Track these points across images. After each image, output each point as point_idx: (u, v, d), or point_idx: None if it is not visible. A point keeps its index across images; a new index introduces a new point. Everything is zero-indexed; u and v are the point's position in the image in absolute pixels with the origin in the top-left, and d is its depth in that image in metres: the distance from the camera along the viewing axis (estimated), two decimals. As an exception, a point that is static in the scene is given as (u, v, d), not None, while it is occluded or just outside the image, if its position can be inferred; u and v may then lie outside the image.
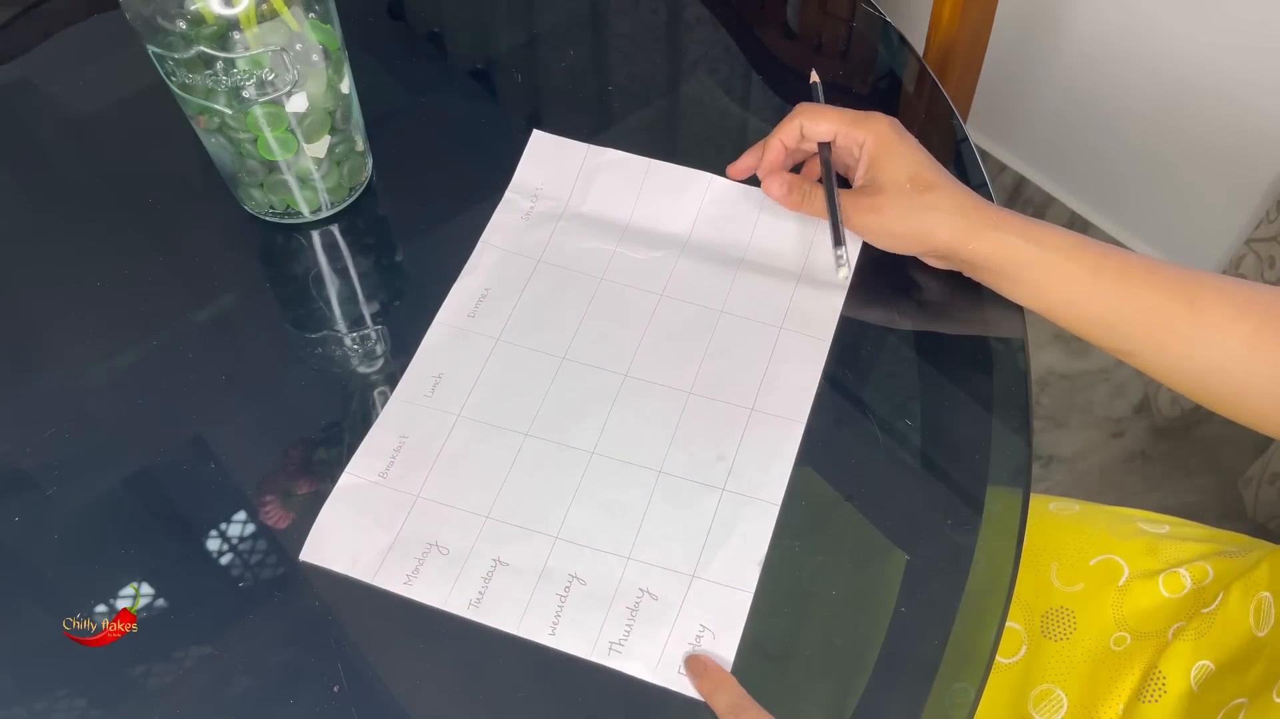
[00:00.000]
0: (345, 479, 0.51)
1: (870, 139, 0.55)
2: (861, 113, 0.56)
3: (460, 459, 0.52)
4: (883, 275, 0.60)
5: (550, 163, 0.63)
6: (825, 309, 0.58)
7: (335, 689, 0.47)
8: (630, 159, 0.63)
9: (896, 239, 0.55)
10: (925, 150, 0.55)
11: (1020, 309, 0.58)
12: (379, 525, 0.50)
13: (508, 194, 0.62)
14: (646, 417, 0.54)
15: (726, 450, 0.52)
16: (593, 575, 0.49)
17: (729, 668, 0.47)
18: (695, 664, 0.46)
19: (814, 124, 0.57)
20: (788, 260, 0.60)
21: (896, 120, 0.56)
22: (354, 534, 0.50)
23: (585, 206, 0.62)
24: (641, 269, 0.59)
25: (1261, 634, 0.55)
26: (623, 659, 0.47)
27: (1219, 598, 0.57)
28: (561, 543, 0.50)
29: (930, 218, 0.53)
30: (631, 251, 0.60)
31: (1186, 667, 0.55)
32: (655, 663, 0.47)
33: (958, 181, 0.54)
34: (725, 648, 0.47)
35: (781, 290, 0.58)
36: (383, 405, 0.55)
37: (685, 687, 0.46)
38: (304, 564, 0.50)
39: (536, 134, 0.64)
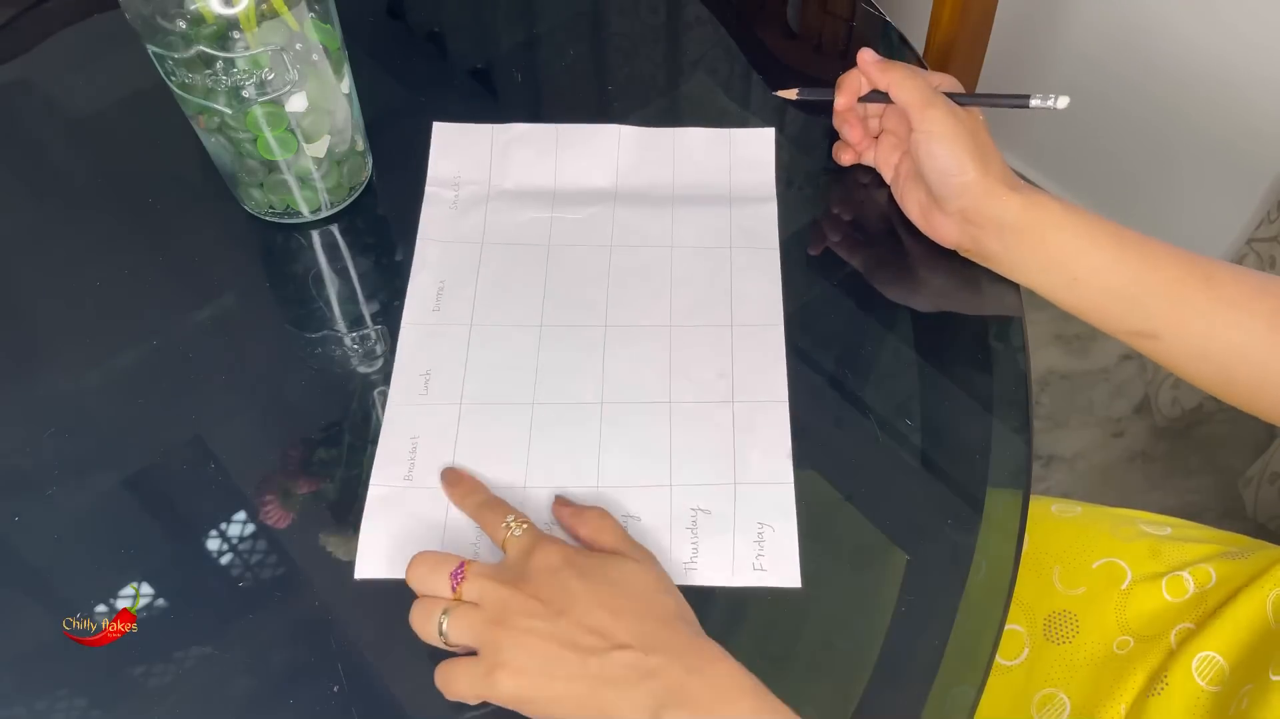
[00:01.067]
0: (373, 492, 0.51)
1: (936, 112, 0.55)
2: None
3: (478, 443, 0.53)
4: (883, 274, 0.60)
5: (460, 149, 0.64)
6: (763, 221, 0.61)
7: (335, 689, 0.47)
8: (537, 128, 0.65)
9: (952, 147, 0.53)
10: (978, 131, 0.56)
11: (1020, 308, 0.58)
12: (424, 524, 0.51)
13: (428, 189, 0.63)
14: (639, 357, 0.56)
15: (723, 367, 0.55)
16: (645, 510, 0.51)
17: (795, 559, 0.50)
18: (449, 474, 0.51)
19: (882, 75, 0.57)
20: (713, 187, 0.63)
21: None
22: (403, 539, 0.50)
23: (508, 183, 0.63)
24: (582, 228, 0.61)
25: None
26: (699, 574, 0.50)
27: (1226, 602, 0.57)
28: (605, 490, 0.52)
29: (991, 155, 0.54)
30: (567, 214, 0.62)
31: (1188, 658, 0.55)
32: (730, 569, 0.50)
33: None
34: (786, 537, 0.50)
35: (718, 214, 0.62)
36: (383, 405, 0.55)
37: (764, 581, 0.49)
38: (303, 565, 0.50)
39: (438, 125, 0.65)
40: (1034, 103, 0.56)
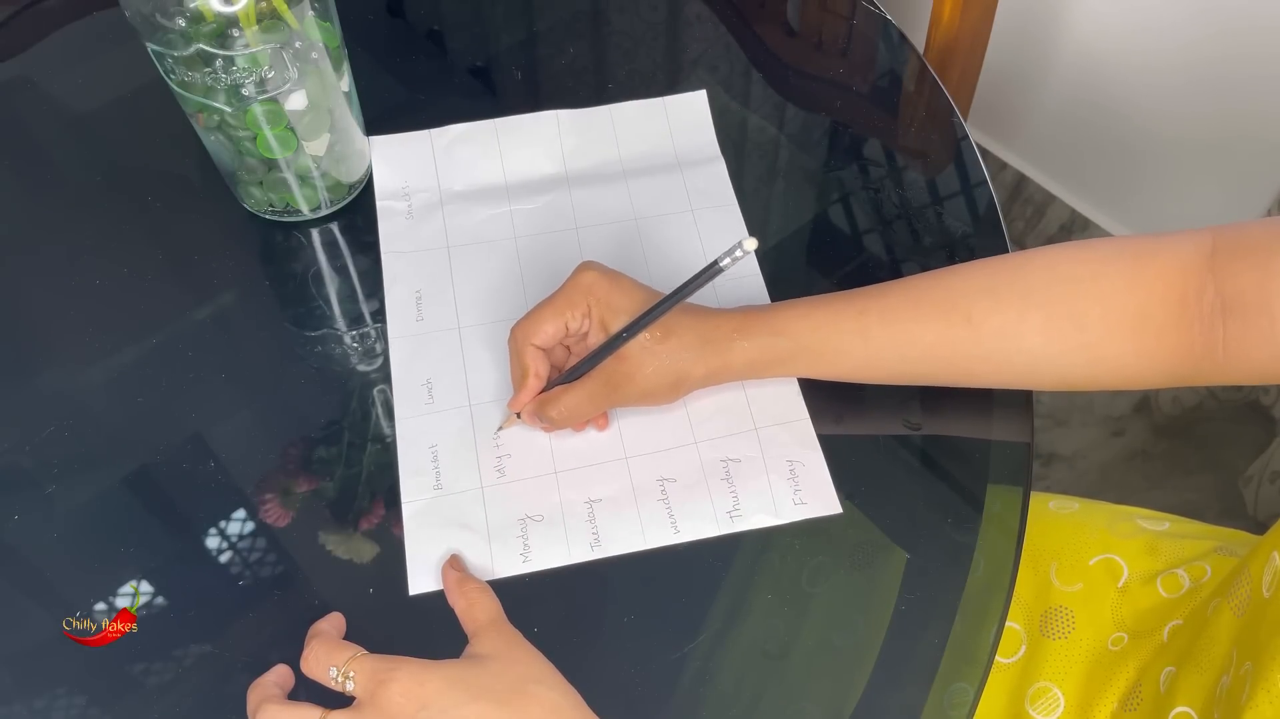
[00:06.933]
0: (408, 509, 0.51)
1: (593, 305, 0.50)
2: (565, 284, 0.51)
3: (497, 440, 0.53)
4: (881, 272, 0.60)
5: (401, 159, 0.64)
6: (715, 180, 0.63)
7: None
8: (475, 126, 0.65)
9: (662, 393, 0.51)
10: (639, 284, 0.51)
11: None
12: (467, 529, 0.51)
13: (379, 203, 0.62)
14: None
15: None
16: (678, 471, 0.52)
17: (830, 487, 0.51)
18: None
19: (538, 335, 0.50)
20: (659, 155, 0.65)
21: (597, 263, 0.51)
22: (449, 548, 0.50)
23: (458, 185, 0.63)
24: (544, 215, 0.62)
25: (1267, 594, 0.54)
26: (745, 519, 0.51)
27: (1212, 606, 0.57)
28: (633, 460, 0.53)
29: (684, 359, 0.50)
30: (524, 204, 0.62)
31: (1156, 673, 0.55)
32: (773, 509, 0.51)
33: (684, 305, 0.49)
34: (818, 468, 0.52)
35: (670, 181, 0.63)
36: (383, 403, 0.55)
37: (806, 514, 0.51)
38: (303, 563, 0.50)
39: (374, 139, 0.64)
40: (725, 263, 0.46)
